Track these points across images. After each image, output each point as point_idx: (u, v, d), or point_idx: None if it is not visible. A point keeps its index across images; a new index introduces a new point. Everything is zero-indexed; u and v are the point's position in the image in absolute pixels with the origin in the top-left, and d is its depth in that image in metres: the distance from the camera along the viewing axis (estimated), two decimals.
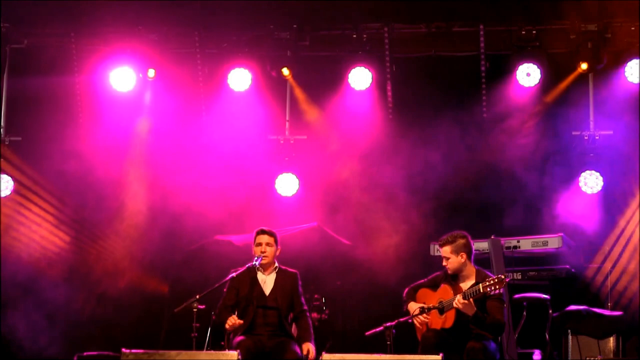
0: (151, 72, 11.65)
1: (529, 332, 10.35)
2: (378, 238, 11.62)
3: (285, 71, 11.58)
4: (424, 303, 8.63)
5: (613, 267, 10.67)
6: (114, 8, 11.28)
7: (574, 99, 11.37)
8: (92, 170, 11.52)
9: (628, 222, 10.98)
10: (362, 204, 11.67)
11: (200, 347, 8.66)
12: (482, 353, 8.27)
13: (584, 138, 11.35)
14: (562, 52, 11.33)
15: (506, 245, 10.44)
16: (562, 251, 10.47)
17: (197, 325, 8.59)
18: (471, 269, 8.63)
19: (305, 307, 9.10)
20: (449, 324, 8.42)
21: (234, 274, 8.78)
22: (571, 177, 11.22)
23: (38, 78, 11.66)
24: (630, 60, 11.08)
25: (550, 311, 10.29)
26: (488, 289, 8.18)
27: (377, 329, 8.52)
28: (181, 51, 11.81)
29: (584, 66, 11.11)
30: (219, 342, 8.91)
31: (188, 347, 8.46)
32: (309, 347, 8.74)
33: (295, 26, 11.51)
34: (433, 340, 8.37)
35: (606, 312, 10.37)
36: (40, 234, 11.74)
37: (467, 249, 8.60)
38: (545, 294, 10.34)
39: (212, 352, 8.49)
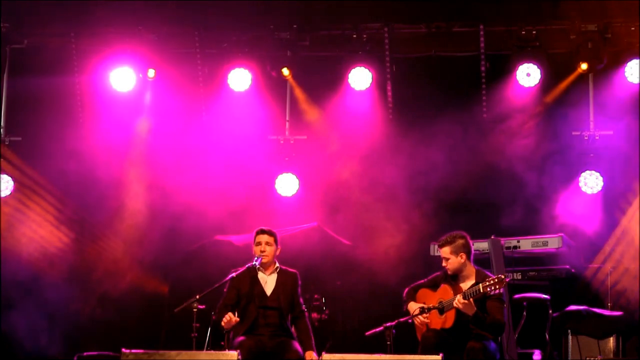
0: (151, 72, 11.65)
1: (529, 332, 10.35)
2: (378, 238, 11.62)
3: (285, 71, 11.58)
4: (424, 303, 8.63)
5: (613, 267, 10.66)
6: (114, 8, 11.28)
7: (574, 99, 11.36)
8: (93, 170, 11.52)
9: (628, 222, 10.97)
10: (362, 204, 11.67)
11: (200, 347, 8.67)
12: (482, 353, 8.27)
13: (584, 138, 11.35)
14: (562, 52, 11.33)
15: (506, 245, 10.44)
16: (562, 251, 10.46)
17: (197, 325, 8.59)
18: (471, 269, 8.63)
19: (304, 308, 9.10)
20: (449, 324, 8.42)
21: (234, 274, 8.78)
22: (571, 177, 11.21)
23: (38, 78, 11.66)
24: (630, 60, 11.08)
25: (550, 311, 10.29)
26: (488, 289, 8.18)
27: (377, 329, 8.52)
28: (181, 51, 11.81)
29: (584, 66, 11.11)
30: (219, 342, 8.90)
31: (188, 347, 8.46)
32: (313, 357, 8.74)
33: (295, 26, 11.51)
34: (433, 340, 8.38)
35: (606, 312, 10.37)
36: (40, 234, 11.74)
37: (467, 249, 8.60)
38: (545, 294, 10.34)
39: (212, 352, 8.49)
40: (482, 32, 11.31)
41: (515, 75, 11.27)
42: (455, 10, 11.28)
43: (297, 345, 8.76)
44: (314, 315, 10.55)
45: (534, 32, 11.20)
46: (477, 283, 8.36)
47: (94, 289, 11.72)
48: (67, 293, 11.52)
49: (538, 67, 11.19)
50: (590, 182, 11.18)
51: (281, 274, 9.02)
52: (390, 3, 11.29)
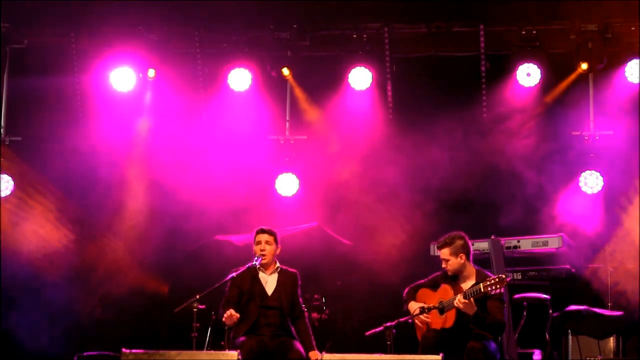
0: (151, 72, 11.65)
1: (529, 332, 10.35)
2: (378, 238, 11.62)
3: (285, 71, 11.58)
4: (424, 303, 8.63)
5: (613, 267, 10.66)
6: (114, 8, 11.28)
7: (574, 99, 11.36)
8: (93, 170, 11.52)
9: (629, 222, 10.97)
10: (362, 204, 11.67)
11: (200, 347, 8.67)
12: (482, 353, 8.27)
13: (584, 138, 11.35)
14: (562, 52, 11.32)
15: (506, 245, 10.44)
16: (562, 251, 10.46)
17: (197, 325, 8.58)
18: (471, 270, 8.63)
19: (304, 309, 9.11)
20: (449, 323, 8.42)
21: (234, 274, 8.78)
22: (571, 177, 11.22)
23: (38, 78, 11.66)
24: (630, 60, 11.08)
25: (551, 311, 10.29)
26: (489, 289, 8.18)
27: (377, 329, 8.52)
28: (181, 51, 11.81)
29: (584, 66, 11.12)
30: (219, 342, 8.90)
31: (188, 347, 8.46)
32: (318, 356, 8.74)
33: (295, 26, 11.51)
34: (433, 340, 8.38)
35: (606, 312, 10.37)
36: (40, 234, 11.73)
37: (466, 250, 8.60)
38: (546, 294, 10.34)
39: (212, 352, 8.50)
40: (482, 32, 11.31)
41: (515, 75, 11.28)
42: (455, 10, 11.28)
43: (299, 345, 8.76)
44: (314, 315, 10.55)
45: (534, 32, 11.20)
46: (477, 283, 8.36)
47: (94, 288, 11.71)
48: (67, 293, 11.52)
49: (538, 67, 11.19)
50: (590, 182, 11.18)
51: (282, 274, 9.02)
52: (390, 3, 11.29)
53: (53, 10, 11.41)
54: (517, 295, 10.27)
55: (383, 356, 8.03)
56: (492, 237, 10.39)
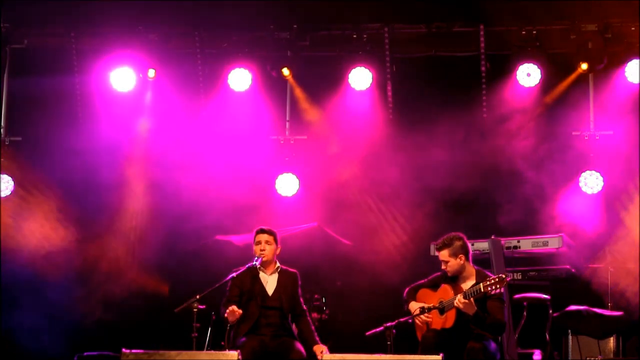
0: (151, 72, 11.65)
1: (529, 332, 10.36)
2: (378, 238, 11.63)
3: (285, 71, 11.58)
4: (425, 303, 8.62)
5: (613, 267, 10.65)
6: (114, 8, 11.28)
7: (574, 99, 11.36)
8: (93, 170, 11.52)
9: (629, 222, 10.97)
10: (362, 204, 11.68)
11: (200, 347, 8.66)
12: (482, 353, 8.27)
13: (584, 138, 11.35)
14: (562, 52, 11.32)
15: (506, 245, 10.44)
16: (562, 251, 10.46)
17: (197, 325, 8.58)
18: (471, 270, 8.63)
19: (305, 308, 9.11)
20: (449, 324, 8.42)
21: (234, 274, 8.78)
22: (571, 177, 11.21)
23: (38, 78, 11.66)
24: (630, 60, 11.07)
25: (551, 311, 10.29)
26: (489, 289, 8.19)
27: (378, 329, 8.53)
28: (181, 51, 11.81)
29: (584, 66, 11.11)
30: (219, 342, 8.90)
31: (188, 347, 8.46)
32: (323, 349, 8.73)
33: (295, 26, 11.51)
34: (433, 340, 8.38)
35: (606, 312, 10.37)
36: (41, 234, 11.73)
37: (465, 250, 8.60)
38: (546, 294, 10.34)
39: (212, 352, 8.49)
40: (482, 32, 11.31)
41: (516, 75, 11.27)
42: (455, 10, 11.28)
43: (299, 346, 8.76)
44: (314, 315, 10.54)
45: (534, 32, 11.20)
46: (477, 283, 8.37)
47: (94, 289, 11.70)
48: (67, 293, 11.51)
49: (538, 67, 11.19)
50: (590, 182, 11.18)
51: (282, 274, 9.02)
52: (390, 3, 11.28)
53: (53, 10, 11.41)
54: (517, 296, 10.27)
55: (383, 356, 8.03)
56: (492, 237, 10.40)
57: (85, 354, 10.61)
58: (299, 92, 11.83)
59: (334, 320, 10.94)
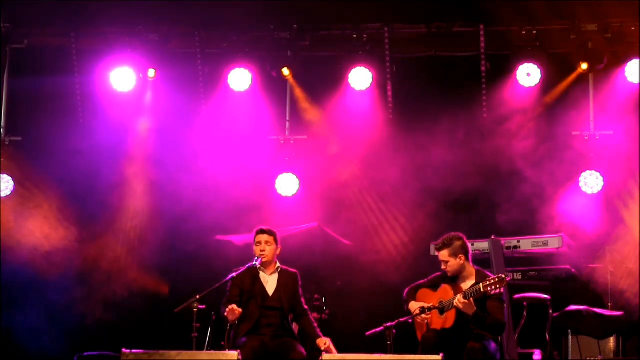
0: (151, 72, 11.65)
1: (529, 332, 10.36)
2: (378, 238, 11.63)
3: (285, 71, 11.58)
4: (425, 303, 8.62)
5: (613, 267, 10.65)
6: (114, 8, 11.27)
7: (574, 99, 11.36)
8: (93, 170, 11.52)
9: (629, 222, 10.97)
10: (362, 203, 11.68)
11: (200, 347, 8.66)
12: (482, 353, 8.27)
13: (584, 138, 11.35)
14: (562, 52, 11.32)
15: (506, 245, 10.44)
16: (562, 251, 10.47)
17: (197, 325, 8.58)
18: (471, 270, 8.63)
19: (306, 307, 9.11)
20: (449, 324, 8.42)
21: (234, 274, 8.78)
22: (571, 177, 11.21)
23: (38, 78, 11.66)
24: (630, 60, 11.07)
25: (551, 311, 10.29)
26: (489, 289, 8.19)
27: (378, 329, 8.53)
28: (181, 51, 11.81)
29: (584, 66, 11.11)
30: (219, 342, 8.90)
31: (188, 347, 8.46)
32: (327, 340, 8.72)
33: (295, 26, 11.51)
34: (433, 340, 8.38)
35: (606, 312, 10.37)
36: (41, 234, 11.73)
37: (465, 250, 8.60)
38: (546, 294, 10.35)
39: (212, 352, 8.49)
40: (482, 32, 11.31)
41: (516, 75, 11.27)
42: (455, 10, 11.28)
43: (300, 346, 8.76)
44: (314, 315, 10.52)
45: (534, 32, 11.20)
46: (477, 283, 8.37)
47: (94, 288, 11.70)
48: (67, 293, 11.52)
49: (538, 67, 11.19)
50: (590, 182, 11.17)
51: (282, 274, 9.02)
52: (390, 3, 11.28)
53: (53, 10, 11.40)
54: (517, 295, 10.28)
55: (383, 356, 8.03)
56: (492, 237, 10.40)
57: (85, 354, 10.60)
58: (299, 92, 11.83)
59: (334, 320, 10.93)
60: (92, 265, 11.75)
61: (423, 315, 8.54)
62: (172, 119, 11.76)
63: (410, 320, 8.62)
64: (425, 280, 8.87)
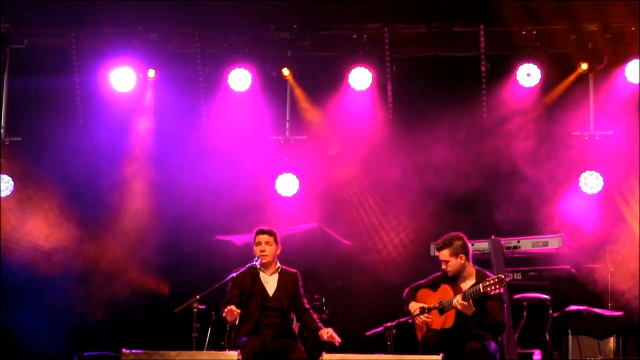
0: (151, 73, 11.65)
1: (529, 332, 10.36)
2: (378, 238, 11.63)
3: (285, 71, 11.58)
4: (424, 303, 8.63)
5: (613, 267, 10.65)
6: (114, 8, 11.27)
7: (574, 99, 11.36)
8: (93, 170, 11.52)
9: (629, 222, 10.97)
10: (362, 204, 11.68)
11: (200, 347, 8.66)
12: (482, 353, 8.27)
13: (584, 138, 11.35)
14: (562, 52, 11.32)
15: (506, 245, 10.44)
16: (562, 251, 10.46)
17: (197, 325, 8.58)
18: (471, 270, 8.63)
19: (308, 306, 9.11)
20: (449, 324, 8.42)
21: (234, 274, 8.78)
22: (571, 177, 11.21)
23: (38, 78, 11.66)
24: (630, 60, 11.07)
25: (551, 311, 10.29)
26: (488, 289, 8.19)
27: (378, 329, 8.53)
28: (181, 51, 11.81)
29: (584, 66, 11.11)
30: (219, 342, 8.90)
31: (188, 347, 8.46)
32: (329, 330, 8.72)
33: (295, 26, 11.51)
34: (433, 341, 8.38)
35: (606, 312, 10.37)
36: (40, 234, 11.73)
37: (465, 250, 8.60)
38: (546, 294, 10.35)
39: (212, 352, 8.49)
40: (482, 32, 11.30)
41: (516, 75, 11.27)
42: (455, 10, 11.28)
43: (300, 347, 8.76)
44: (314, 315, 10.55)
45: (534, 32, 11.19)
46: (477, 283, 8.37)
47: (94, 288, 11.71)
48: (67, 293, 11.52)
49: (538, 67, 11.18)
50: (590, 182, 11.17)
51: (282, 274, 9.02)
52: (390, 3, 11.28)
53: (53, 10, 11.40)
54: (517, 296, 10.28)
55: (383, 356, 8.03)
56: (492, 237, 10.40)
57: (85, 354, 10.60)
58: (299, 92, 11.83)
59: (334, 320, 10.93)
60: (92, 265, 11.75)
61: (423, 316, 8.54)
62: (172, 119, 11.76)
63: (410, 321, 8.62)
64: (425, 280, 8.87)
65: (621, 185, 11.10)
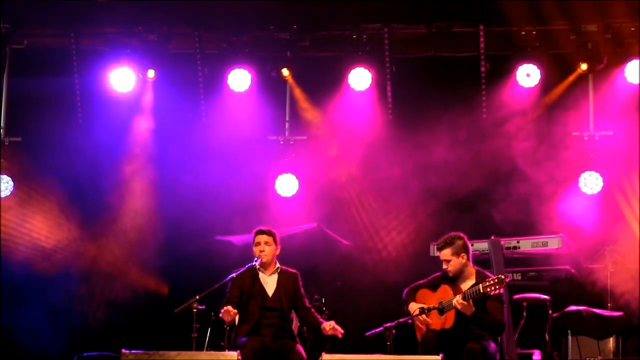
0: (151, 73, 11.65)
1: (529, 332, 10.36)
2: (378, 238, 11.63)
3: (285, 71, 11.58)
4: (424, 304, 8.63)
5: (613, 267, 10.65)
6: (114, 8, 11.27)
7: (574, 100, 11.36)
8: (93, 170, 11.52)
9: (628, 222, 10.97)
10: (362, 204, 11.68)
11: (200, 347, 8.66)
12: (482, 353, 8.28)
13: (584, 138, 11.35)
14: (562, 52, 11.32)
15: (506, 245, 10.44)
16: (561, 252, 10.47)
17: (197, 325, 8.58)
18: (471, 270, 8.64)
19: (309, 305, 9.11)
20: (449, 324, 8.42)
21: (234, 274, 8.78)
22: (571, 177, 11.21)
23: (38, 78, 11.66)
24: (630, 60, 11.07)
25: (550, 311, 10.29)
26: (488, 289, 8.19)
27: (377, 330, 8.52)
28: (181, 51, 11.81)
29: (584, 66, 11.12)
30: (219, 342, 8.90)
31: (188, 347, 8.46)
32: (331, 322, 8.70)
33: (295, 26, 11.51)
34: (433, 341, 8.38)
35: (606, 312, 10.37)
36: (40, 235, 11.74)
37: (466, 250, 8.61)
38: (545, 295, 10.35)
39: (212, 352, 8.50)
40: (482, 32, 11.31)
41: (515, 75, 11.27)
42: (455, 11, 11.28)
43: (300, 348, 8.76)
44: (316, 313, 10.55)
45: (534, 32, 11.19)
46: (477, 283, 8.37)
47: (94, 288, 11.71)
48: (67, 293, 11.52)
49: (538, 68, 11.19)
50: (590, 182, 11.18)
51: (282, 275, 9.02)
52: (390, 3, 11.28)
53: (53, 10, 11.40)
54: (516, 296, 10.27)
55: (383, 356, 8.03)
56: (492, 237, 10.40)
57: (85, 354, 10.60)
58: (298, 93, 11.83)
59: (334, 320, 10.94)
60: (92, 265, 11.75)
61: (422, 317, 8.54)
62: (172, 119, 11.76)
63: (409, 321, 8.62)
64: (425, 280, 8.87)
65: (621, 185, 11.10)
